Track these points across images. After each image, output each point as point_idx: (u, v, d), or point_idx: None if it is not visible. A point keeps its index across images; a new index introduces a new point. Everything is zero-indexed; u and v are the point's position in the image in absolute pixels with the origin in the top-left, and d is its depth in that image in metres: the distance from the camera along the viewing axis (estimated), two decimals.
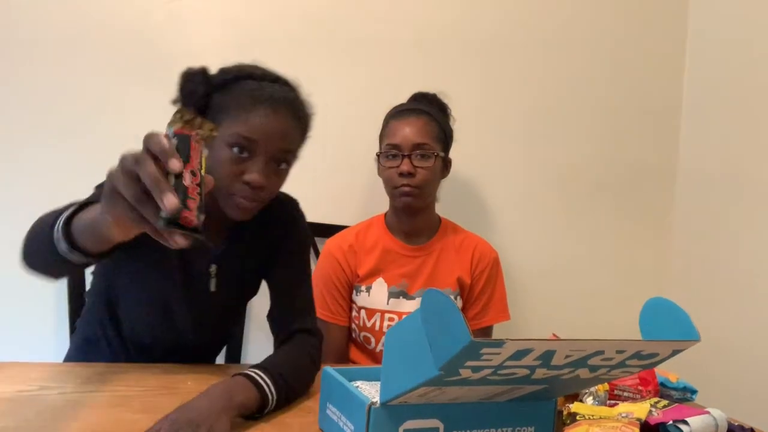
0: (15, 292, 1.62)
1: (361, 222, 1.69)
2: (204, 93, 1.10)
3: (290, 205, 1.29)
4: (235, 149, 1.05)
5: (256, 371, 1.00)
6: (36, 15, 1.68)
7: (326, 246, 1.65)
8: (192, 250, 0.96)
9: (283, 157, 1.09)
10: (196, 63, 1.77)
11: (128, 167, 0.66)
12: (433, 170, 1.57)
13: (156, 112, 1.78)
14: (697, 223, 2.08)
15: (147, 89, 1.69)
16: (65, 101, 1.68)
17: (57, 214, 0.85)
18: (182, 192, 0.66)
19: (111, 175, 0.68)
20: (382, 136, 1.62)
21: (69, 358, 1.30)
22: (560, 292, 2.08)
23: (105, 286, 1.21)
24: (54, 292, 1.64)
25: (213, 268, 1.18)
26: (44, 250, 0.84)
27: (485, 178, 2.01)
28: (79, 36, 1.70)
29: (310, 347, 1.17)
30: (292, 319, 1.21)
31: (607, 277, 2.12)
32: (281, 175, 1.12)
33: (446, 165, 1.64)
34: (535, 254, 2.06)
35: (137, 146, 1.01)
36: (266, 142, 1.05)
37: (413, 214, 1.61)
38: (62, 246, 0.81)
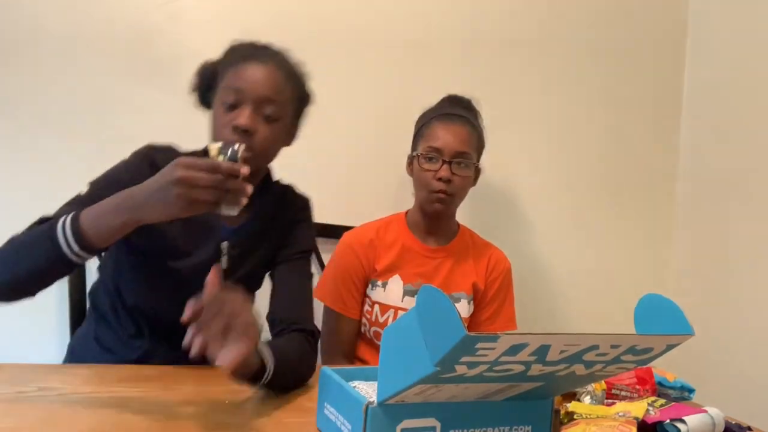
0: None
1: (380, 219, 1.70)
2: (212, 71, 1.21)
3: (306, 201, 1.36)
4: (226, 102, 1.12)
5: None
6: (35, 15, 1.69)
7: (344, 239, 1.64)
8: (204, 228, 1.16)
9: (270, 107, 1.14)
10: (195, 63, 1.79)
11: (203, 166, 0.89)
12: (469, 180, 1.61)
13: (155, 112, 1.80)
14: (697, 224, 2.08)
15: (147, 89, 1.71)
16: (64, 101, 1.69)
17: (47, 222, 0.97)
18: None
19: (180, 175, 0.88)
20: (421, 136, 1.62)
21: (80, 334, 1.32)
22: (560, 292, 2.08)
23: (113, 261, 1.24)
24: (55, 293, 1.64)
25: (225, 245, 1.21)
26: (35, 258, 0.96)
27: (485, 180, 2.01)
28: (78, 36, 1.71)
29: (309, 345, 1.19)
30: (296, 320, 1.22)
31: (608, 277, 2.12)
32: (273, 128, 1.15)
33: (477, 175, 1.66)
34: (535, 254, 2.06)
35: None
36: (252, 90, 1.12)
37: (438, 217, 1.63)
38: (71, 243, 0.93)
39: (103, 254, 1.32)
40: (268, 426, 0.96)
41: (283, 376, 1.05)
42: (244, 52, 1.18)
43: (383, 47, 1.91)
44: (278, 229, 1.28)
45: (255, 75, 1.14)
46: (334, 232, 1.74)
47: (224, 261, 1.20)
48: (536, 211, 2.07)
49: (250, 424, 0.96)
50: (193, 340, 0.84)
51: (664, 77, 2.16)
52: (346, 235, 1.66)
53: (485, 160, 1.97)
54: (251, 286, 1.31)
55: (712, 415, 0.94)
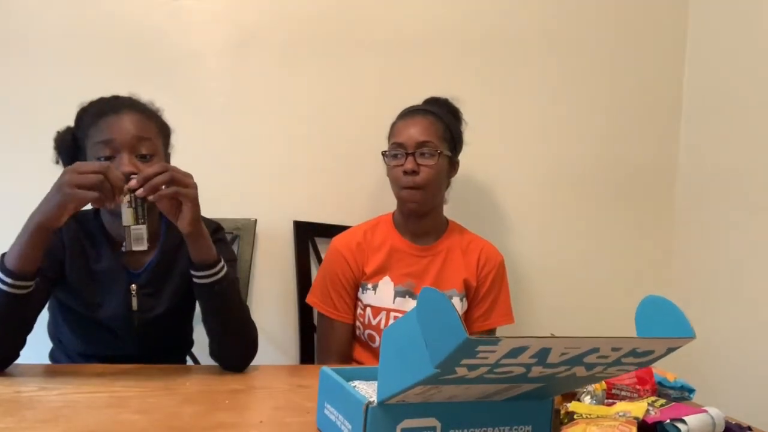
0: None
1: (368, 221, 1.69)
2: (72, 139, 1.27)
3: (216, 224, 1.37)
4: (101, 157, 1.18)
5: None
6: (35, 15, 1.68)
7: (333, 244, 1.64)
8: (108, 279, 1.26)
9: (143, 145, 1.21)
10: (196, 63, 1.80)
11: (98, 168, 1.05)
12: (438, 169, 1.56)
13: None
14: (697, 223, 2.08)
15: (147, 90, 1.69)
16: (64, 100, 1.68)
17: None
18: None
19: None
20: (389, 137, 1.63)
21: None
22: (561, 292, 2.07)
23: (52, 316, 1.34)
24: None
25: (133, 288, 1.27)
26: None
27: (486, 179, 2.01)
28: (79, 36, 1.71)
29: None
30: None
31: (608, 278, 2.12)
32: (153, 163, 1.20)
33: (453, 165, 1.64)
34: (535, 255, 2.06)
35: None
36: (121, 137, 1.18)
37: (419, 214, 1.61)
38: (3, 278, 1.06)
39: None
40: (268, 426, 0.96)
41: (233, 291, 1.23)
42: (98, 109, 1.24)
43: (389, 48, 1.91)
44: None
45: (119, 122, 1.20)
46: (336, 231, 1.74)
47: (134, 303, 1.27)
48: (535, 211, 2.06)
49: (250, 424, 0.96)
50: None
51: (664, 77, 2.15)
52: (334, 239, 1.65)
53: (487, 161, 1.98)
54: (182, 312, 1.37)
55: (713, 415, 0.93)
